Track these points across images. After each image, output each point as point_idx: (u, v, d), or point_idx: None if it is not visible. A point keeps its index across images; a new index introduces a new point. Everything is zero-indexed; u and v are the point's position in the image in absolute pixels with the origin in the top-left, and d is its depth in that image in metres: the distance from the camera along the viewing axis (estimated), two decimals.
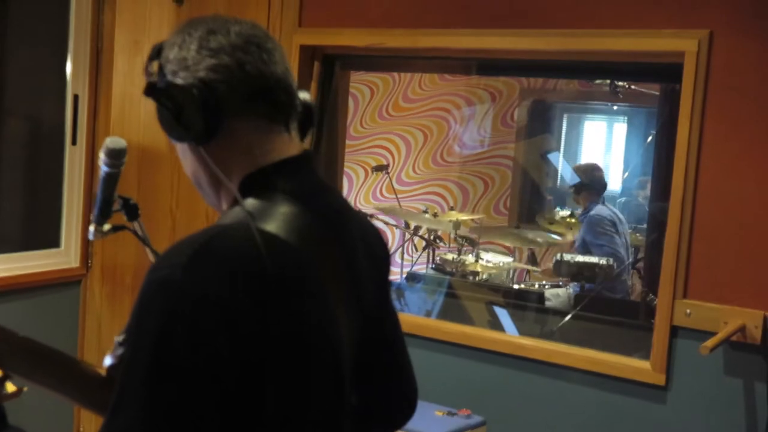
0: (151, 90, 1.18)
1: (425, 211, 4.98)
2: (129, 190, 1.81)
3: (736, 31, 2.41)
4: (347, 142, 3.82)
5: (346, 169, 4.69)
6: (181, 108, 1.14)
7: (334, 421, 1.16)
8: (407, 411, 1.42)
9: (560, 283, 4.52)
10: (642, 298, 3.37)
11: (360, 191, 5.74)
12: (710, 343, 2.30)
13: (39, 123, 3.27)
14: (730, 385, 2.44)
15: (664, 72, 2.76)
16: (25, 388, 1.38)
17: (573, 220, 5.10)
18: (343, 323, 1.16)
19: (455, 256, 4.64)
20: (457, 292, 4.06)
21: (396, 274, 4.81)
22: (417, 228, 4.98)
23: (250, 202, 1.14)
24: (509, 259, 4.89)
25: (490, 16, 2.77)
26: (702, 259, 2.47)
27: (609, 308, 3.71)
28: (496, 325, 3.54)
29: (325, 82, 3.18)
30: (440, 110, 6.05)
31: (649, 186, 4.55)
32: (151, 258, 1.67)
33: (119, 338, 1.24)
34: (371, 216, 4.68)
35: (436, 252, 5.04)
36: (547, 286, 4.51)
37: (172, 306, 1.01)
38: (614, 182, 6.00)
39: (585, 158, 6.33)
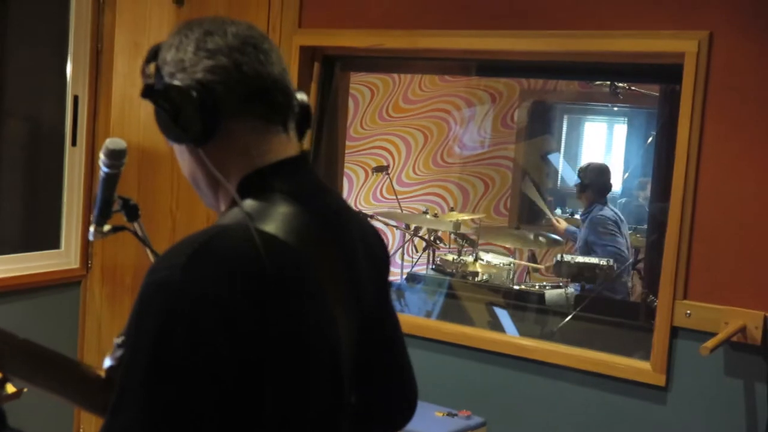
0: (148, 92, 1.18)
1: (425, 212, 4.98)
2: (129, 191, 1.81)
3: (735, 32, 2.41)
4: (347, 143, 3.83)
5: (346, 170, 4.70)
6: (178, 109, 1.14)
7: (333, 422, 1.16)
8: (407, 412, 1.42)
9: (560, 284, 4.52)
10: (642, 299, 3.37)
11: (360, 192, 5.74)
12: (710, 343, 2.30)
13: (39, 124, 3.27)
14: (731, 385, 2.44)
15: (664, 73, 2.76)
16: (25, 389, 1.38)
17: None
18: (341, 323, 1.16)
19: (455, 257, 4.64)
20: (457, 292, 4.06)
21: (396, 275, 4.81)
22: (417, 229, 4.98)
23: (249, 203, 1.14)
24: (509, 260, 4.89)
25: (490, 17, 2.77)
26: (702, 260, 2.47)
27: (609, 309, 3.70)
28: (497, 325, 3.54)
29: (325, 83, 3.18)
30: (440, 111, 6.05)
31: (649, 187, 4.54)
32: (151, 258, 1.67)
33: (118, 340, 1.24)
34: (371, 217, 4.68)
35: (437, 253, 5.04)
36: (547, 287, 4.50)
37: (171, 306, 1.01)
38: (615, 183, 5.99)
39: (585, 159, 6.32)
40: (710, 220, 2.46)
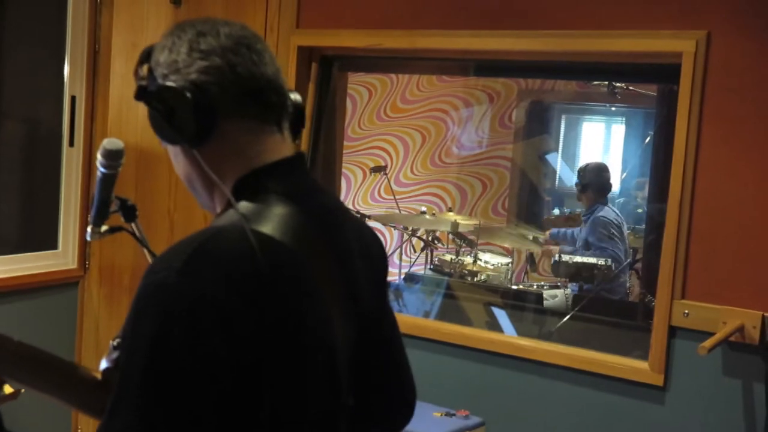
0: (142, 93, 1.18)
1: (423, 212, 4.98)
2: (127, 192, 1.81)
3: (733, 32, 2.41)
4: (345, 143, 3.82)
5: (344, 171, 4.69)
6: (173, 111, 1.14)
7: (331, 422, 1.16)
8: (405, 412, 1.41)
9: (558, 284, 4.52)
10: (640, 299, 3.37)
11: (358, 192, 5.74)
12: (708, 343, 2.30)
13: (36, 125, 3.27)
14: (729, 385, 2.44)
15: (662, 73, 2.76)
16: (23, 390, 1.38)
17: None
18: (338, 323, 1.16)
19: (453, 257, 4.63)
20: (455, 292, 4.06)
21: (394, 275, 4.81)
22: (415, 229, 4.97)
23: (244, 205, 1.14)
24: (507, 260, 4.89)
25: (488, 17, 2.77)
26: (700, 260, 2.47)
27: (607, 309, 3.71)
28: (495, 325, 3.54)
29: (323, 84, 3.18)
30: (438, 111, 6.05)
31: (647, 187, 4.55)
32: (149, 259, 1.67)
33: (114, 342, 1.24)
34: (368, 217, 4.68)
35: (435, 253, 5.04)
36: (545, 287, 4.50)
37: (168, 308, 1.01)
38: (613, 183, 5.99)
39: (584, 159, 6.32)
40: (708, 220, 2.46)
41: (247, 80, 1.16)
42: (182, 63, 1.16)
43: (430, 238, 4.95)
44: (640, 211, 5.51)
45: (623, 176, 5.94)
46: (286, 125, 1.24)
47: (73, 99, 3.19)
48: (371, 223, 4.61)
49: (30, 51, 3.18)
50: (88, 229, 1.74)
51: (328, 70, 3.19)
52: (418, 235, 4.97)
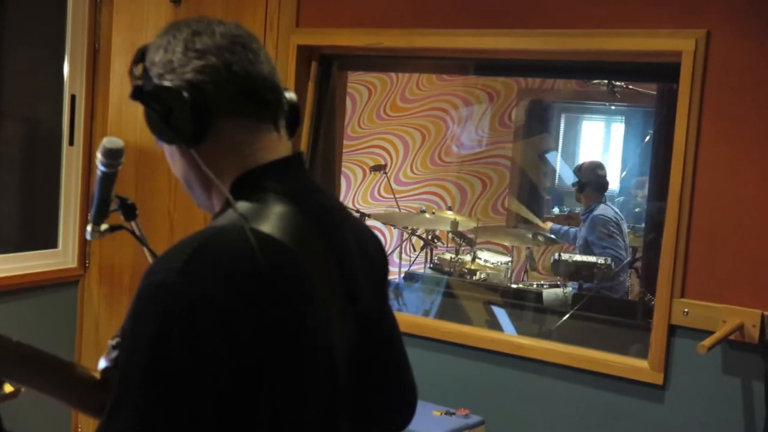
0: (138, 93, 1.18)
1: (423, 211, 4.98)
2: (127, 191, 1.81)
3: (733, 31, 2.41)
4: (345, 142, 3.82)
5: (344, 170, 4.69)
6: (169, 110, 1.14)
7: (331, 422, 1.16)
8: (406, 412, 1.41)
9: (558, 283, 4.52)
10: (640, 298, 3.37)
11: (358, 191, 5.74)
12: (708, 342, 2.30)
13: (36, 124, 3.27)
14: (728, 384, 2.44)
15: (662, 72, 2.76)
16: (23, 389, 1.38)
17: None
18: (337, 323, 1.16)
19: (453, 256, 4.63)
20: (455, 291, 4.06)
21: (394, 274, 4.81)
22: (415, 228, 4.97)
23: (243, 204, 1.14)
24: (507, 259, 4.89)
25: (488, 16, 2.77)
26: (699, 259, 2.47)
27: (607, 308, 3.71)
28: (495, 324, 3.54)
29: (322, 83, 3.18)
30: (438, 110, 6.05)
31: (646, 185, 4.55)
32: (149, 258, 1.67)
33: (113, 342, 1.24)
34: (368, 216, 4.67)
35: (434, 252, 5.04)
36: (545, 286, 4.50)
37: (168, 308, 1.01)
38: (612, 182, 6.00)
39: (583, 158, 6.32)
40: (707, 219, 2.46)
41: (243, 79, 1.16)
42: (178, 62, 1.16)
43: (429, 237, 4.95)
44: (638, 210, 5.52)
45: (623, 175, 5.95)
46: (283, 123, 1.24)
47: (72, 98, 3.19)
48: (371, 222, 4.61)
49: (30, 51, 3.18)
50: (88, 228, 1.75)
51: (328, 68, 3.19)
52: (417, 233, 4.97)
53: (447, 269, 4.58)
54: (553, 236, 5.07)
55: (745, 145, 2.41)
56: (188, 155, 1.19)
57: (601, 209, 4.68)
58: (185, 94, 1.13)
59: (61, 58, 3.17)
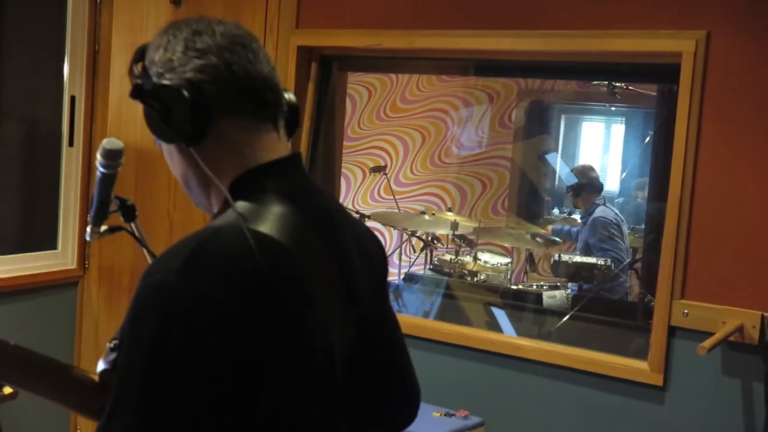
0: (138, 92, 1.18)
1: (423, 212, 4.98)
2: (126, 192, 1.81)
3: (733, 32, 2.41)
4: (345, 143, 3.82)
5: (344, 170, 4.69)
6: (169, 109, 1.14)
7: (330, 422, 1.16)
8: (406, 412, 1.41)
9: (558, 284, 4.52)
10: (640, 299, 3.37)
11: (358, 192, 5.74)
12: (708, 343, 2.30)
13: (36, 125, 3.27)
14: (728, 385, 2.44)
15: (662, 73, 2.76)
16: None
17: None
18: (337, 324, 1.16)
19: (453, 257, 4.63)
20: (455, 292, 4.06)
21: (394, 275, 4.81)
22: (414, 230, 4.97)
23: (242, 204, 1.14)
24: (507, 260, 4.89)
25: (487, 16, 2.77)
26: (699, 260, 2.47)
27: (607, 309, 3.70)
28: (494, 325, 3.54)
29: (322, 83, 3.18)
30: (438, 111, 6.05)
31: (647, 186, 4.54)
32: (148, 259, 1.67)
33: (111, 344, 1.24)
34: (368, 217, 4.67)
35: (434, 253, 5.04)
36: (545, 287, 4.50)
37: (167, 308, 1.01)
38: (612, 183, 6.00)
39: (583, 159, 6.33)
40: (707, 220, 2.46)
41: (243, 78, 1.16)
42: (178, 61, 1.16)
43: (429, 238, 4.94)
44: (638, 201, 5.52)
45: (623, 176, 5.94)
46: (282, 124, 1.24)
47: (72, 99, 3.19)
48: (371, 223, 4.61)
49: (30, 51, 3.18)
50: (88, 229, 1.74)
51: (328, 69, 3.19)
52: (417, 235, 4.97)
53: (447, 270, 4.58)
54: (553, 237, 5.06)
55: (745, 145, 2.41)
56: (187, 154, 1.18)
57: (601, 211, 4.67)
58: (185, 92, 1.13)
59: (61, 59, 3.17)
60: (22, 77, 3.16)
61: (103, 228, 1.74)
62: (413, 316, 3.56)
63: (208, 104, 1.14)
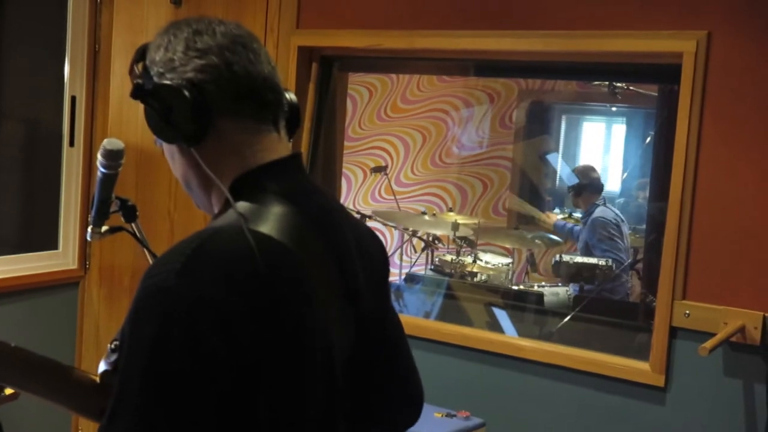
0: (138, 91, 1.18)
1: (424, 212, 4.98)
2: (127, 192, 1.81)
3: (734, 32, 2.40)
4: (346, 143, 3.82)
5: (344, 171, 4.69)
6: (170, 109, 1.14)
7: (330, 422, 1.16)
8: (408, 413, 1.40)
9: (559, 284, 4.51)
10: (641, 299, 3.37)
11: (359, 192, 5.74)
12: (709, 344, 2.29)
13: (36, 125, 3.27)
14: (730, 386, 2.44)
15: (663, 73, 2.76)
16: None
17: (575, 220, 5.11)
18: (337, 324, 1.16)
19: (454, 258, 4.63)
20: (456, 293, 4.05)
21: (395, 275, 4.81)
22: (415, 229, 4.97)
23: (242, 204, 1.14)
24: (508, 260, 4.89)
25: (488, 17, 2.77)
26: (701, 260, 2.47)
27: (608, 309, 3.70)
28: (495, 326, 3.54)
29: (323, 84, 3.18)
30: (438, 111, 6.05)
31: (648, 187, 4.54)
32: (149, 260, 1.67)
33: (112, 345, 1.23)
34: (369, 217, 4.67)
35: (435, 253, 5.03)
36: (546, 287, 4.50)
37: (167, 309, 1.01)
38: (613, 183, 6.00)
39: (584, 159, 6.33)
40: (709, 220, 2.45)
41: (244, 79, 1.16)
42: (179, 61, 1.16)
43: (430, 239, 4.94)
44: (635, 207, 5.52)
45: (624, 176, 5.94)
46: (283, 124, 1.24)
47: (73, 99, 3.18)
48: (372, 223, 4.61)
49: (30, 51, 3.18)
50: (89, 230, 1.75)
51: (329, 70, 3.19)
52: (418, 235, 4.97)
53: (448, 271, 4.58)
54: (554, 236, 5.06)
55: (745, 146, 2.41)
56: (188, 155, 1.18)
57: (601, 211, 4.67)
58: (186, 92, 1.13)
59: (61, 59, 3.17)
60: (22, 77, 3.16)
61: (104, 228, 1.75)
62: (414, 317, 3.56)
63: (209, 104, 1.14)
